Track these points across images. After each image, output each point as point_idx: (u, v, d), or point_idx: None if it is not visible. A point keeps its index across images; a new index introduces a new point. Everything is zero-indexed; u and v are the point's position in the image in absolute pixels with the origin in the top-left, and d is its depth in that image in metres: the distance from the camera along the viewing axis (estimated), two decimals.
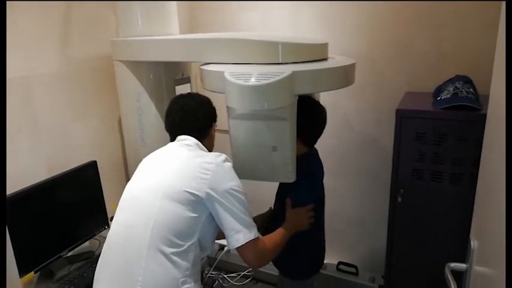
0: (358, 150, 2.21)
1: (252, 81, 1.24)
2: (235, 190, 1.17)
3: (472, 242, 0.99)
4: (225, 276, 2.59)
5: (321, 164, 1.63)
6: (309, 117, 1.38)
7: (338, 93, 2.04)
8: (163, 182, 1.15)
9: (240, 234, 1.15)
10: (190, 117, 1.30)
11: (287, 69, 1.27)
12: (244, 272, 2.56)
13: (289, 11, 2.17)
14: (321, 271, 2.24)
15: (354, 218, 2.33)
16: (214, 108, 1.40)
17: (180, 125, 1.31)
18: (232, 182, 1.18)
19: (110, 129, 2.06)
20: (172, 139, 1.34)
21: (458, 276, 1.03)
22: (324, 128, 1.57)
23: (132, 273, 1.09)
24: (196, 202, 1.13)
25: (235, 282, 2.56)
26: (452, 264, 1.01)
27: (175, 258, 1.10)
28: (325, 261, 2.33)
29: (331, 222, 2.39)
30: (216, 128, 1.44)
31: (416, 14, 1.88)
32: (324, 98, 1.92)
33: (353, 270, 2.21)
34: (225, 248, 2.63)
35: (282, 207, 1.48)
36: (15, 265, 0.85)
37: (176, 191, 1.12)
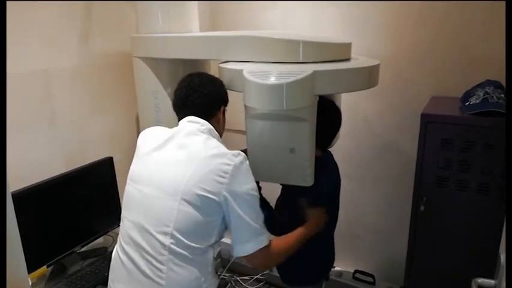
0: (377, 154, 2.14)
1: (272, 80, 1.20)
2: (251, 194, 1.12)
3: (502, 257, 0.92)
4: (237, 278, 2.55)
5: (337, 170, 1.58)
6: (323, 118, 1.33)
7: (359, 95, 1.98)
8: (180, 185, 1.08)
9: (248, 244, 1.12)
10: (195, 93, 1.23)
11: (308, 69, 1.23)
12: (258, 276, 2.52)
13: (310, 10, 2.13)
14: (337, 279, 2.20)
15: (371, 225, 2.26)
16: (225, 91, 1.32)
17: (185, 102, 1.24)
18: (249, 185, 1.13)
19: (127, 125, 2.05)
20: (180, 117, 1.27)
21: None
22: (338, 130, 1.52)
23: (152, 278, 1.07)
24: (213, 207, 1.09)
25: (247, 285, 2.52)
26: (480, 280, 0.94)
27: (197, 258, 1.09)
28: (341, 269, 2.28)
29: (348, 228, 2.33)
30: (232, 128, 1.40)
31: (444, 15, 1.80)
32: (344, 99, 1.87)
33: (370, 279, 2.15)
34: None
35: (289, 212, 1.45)
36: (24, 261, 0.83)
37: (194, 196, 1.07)
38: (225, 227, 1.18)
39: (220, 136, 1.33)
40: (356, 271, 2.19)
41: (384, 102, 2.05)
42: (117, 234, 1.85)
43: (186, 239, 1.07)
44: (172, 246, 1.06)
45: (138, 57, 1.74)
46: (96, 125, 1.89)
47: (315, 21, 2.13)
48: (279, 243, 1.22)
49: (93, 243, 1.77)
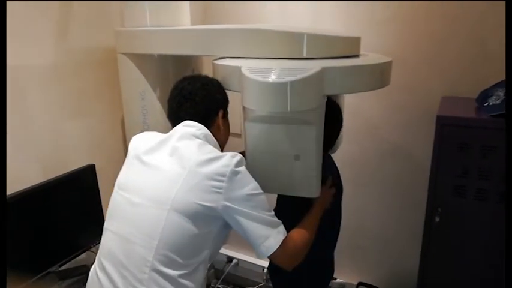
0: (382, 159, 2.01)
1: (274, 77, 1.06)
2: (254, 194, 1.02)
3: None
4: None
5: (338, 174, 1.45)
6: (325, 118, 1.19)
7: (361, 96, 1.84)
8: (171, 192, 0.97)
9: (270, 239, 1.01)
10: (187, 102, 1.12)
11: (315, 65, 1.08)
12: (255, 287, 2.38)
13: (310, 2, 1.98)
14: None
15: (376, 235, 2.13)
16: (223, 93, 1.20)
17: (178, 112, 1.14)
18: (250, 185, 1.02)
19: (110, 129, 1.88)
20: (173, 127, 1.15)
21: None
22: (340, 130, 1.39)
23: None
24: (210, 216, 0.98)
25: None
26: None
27: (182, 280, 0.97)
28: (343, 281, 2.15)
29: (351, 237, 2.19)
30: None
31: (455, 7, 1.67)
32: (346, 100, 1.73)
33: None
34: (233, 261, 2.46)
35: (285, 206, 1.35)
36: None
37: (187, 204, 0.96)
38: (223, 237, 1.08)
39: (223, 144, 1.21)
40: (360, 283, 2.08)
41: (389, 102, 1.92)
42: None
43: (173, 254, 0.96)
44: (156, 263, 0.95)
45: (123, 54, 1.59)
46: (76, 129, 1.72)
47: (314, 13, 1.99)
48: (298, 232, 1.11)
49: (72, 261, 1.60)
